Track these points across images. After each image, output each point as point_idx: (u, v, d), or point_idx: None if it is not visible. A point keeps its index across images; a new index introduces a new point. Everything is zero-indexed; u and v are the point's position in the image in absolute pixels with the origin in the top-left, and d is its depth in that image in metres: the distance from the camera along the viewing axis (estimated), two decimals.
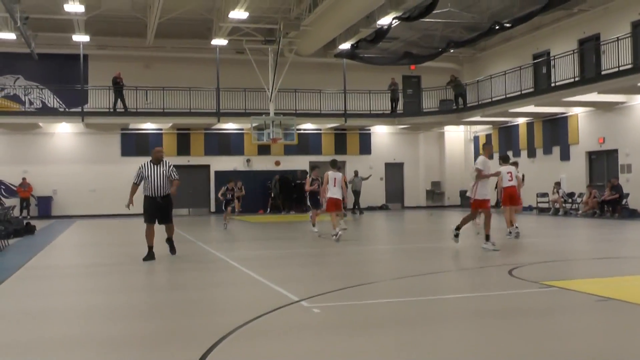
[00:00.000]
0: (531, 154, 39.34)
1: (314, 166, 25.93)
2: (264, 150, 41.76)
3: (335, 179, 20.20)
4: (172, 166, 15.67)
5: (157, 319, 9.02)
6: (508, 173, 19.50)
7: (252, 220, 33.61)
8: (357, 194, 37.86)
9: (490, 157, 17.90)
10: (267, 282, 11.80)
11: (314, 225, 23.53)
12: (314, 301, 9.78)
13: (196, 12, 36.35)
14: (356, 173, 38.62)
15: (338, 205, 20.33)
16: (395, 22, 31.16)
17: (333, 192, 20.16)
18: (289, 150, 41.91)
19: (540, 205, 36.68)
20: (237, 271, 13.76)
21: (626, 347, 7.25)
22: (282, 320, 8.71)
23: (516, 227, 19.73)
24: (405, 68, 43.72)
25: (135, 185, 15.49)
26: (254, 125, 36.95)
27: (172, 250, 16.18)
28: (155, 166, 15.39)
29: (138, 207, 15.43)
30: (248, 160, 42.22)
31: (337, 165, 20.95)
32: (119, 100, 38.26)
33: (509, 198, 19.62)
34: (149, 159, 15.55)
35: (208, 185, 41.67)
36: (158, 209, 15.48)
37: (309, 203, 25.41)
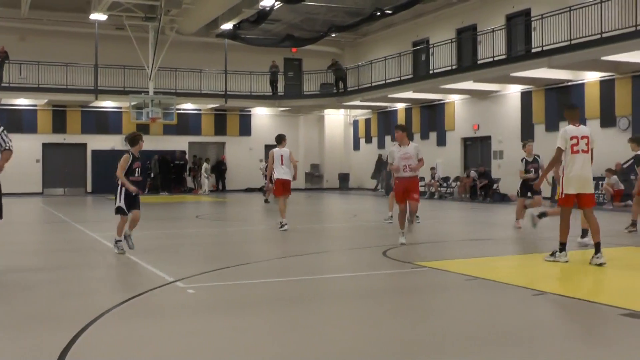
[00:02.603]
0: (409, 138, 40.07)
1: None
2: (142, 129, 40.77)
3: (282, 156, 17.87)
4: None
5: (26, 302, 8.70)
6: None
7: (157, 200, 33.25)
8: None
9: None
10: (143, 263, 11.64)
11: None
12: (189, 282, 9.77)
13: None
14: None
15: (287, 187, 17.88)
16: (278, 4, 31.29)
17: (280, 172, 17.81)
18: (168, 130, 41.25)
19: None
20: (112, 252, 13.24)
21: (491, 322, 7.61)
22: (156, 301, 8.67)
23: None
24: (286, 50, 43.82)
25: None
26: (132, 104, 36.26)
27: None
28: None
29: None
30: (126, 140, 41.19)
31: (283, 140, 18.43)
32: None
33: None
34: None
35: (85, 164, 40.64)
36: None
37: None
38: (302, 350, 6.44)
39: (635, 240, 14.69)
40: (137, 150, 12.78)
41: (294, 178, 18.60)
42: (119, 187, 12.49)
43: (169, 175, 40.77)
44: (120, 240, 12.62)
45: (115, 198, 12.54)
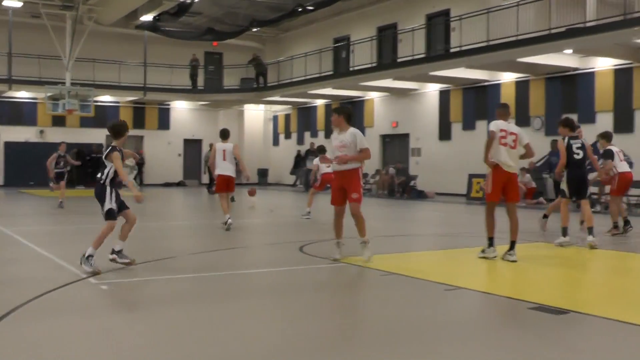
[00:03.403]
0: (328, 134, 40.26)
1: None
2: (58, 121, 40.11)
3: (224, 151, 16.72)
4: None
5: None
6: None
7: (46, 194, 32.67)
8: None
9: None
10: (55, 259, 11.36)
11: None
12: (103, 278, 9.55)
13: None
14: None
15: (229, 183, 16.84)
16: None
17: (222, 167, 16.68)
18: (85, 123, 40.38)
19: None
20: (24, 247, 12.94)
21: (402, 317, 7.71)
22: (70, 297, 8.43)
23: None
24: (207, 44, 43.54)
25: None
26: (48, 95, 35.48)
27: None
28: None
29: None
30: (41, 132, 40.36)
31: (227, 135, 17.31)
32: None
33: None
34: None
35: None
36: None
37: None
38: (215, 346, 6.43)
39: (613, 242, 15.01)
40: (121, 144, 10.70)
41: (247, 177, 17.50)
42: (110, 188, 10.43)
43: (85, 168, 40.02)
44: (93, 256, 10.07)
45: (104, 199, 10.45)
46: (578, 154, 13.79)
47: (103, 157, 10.49)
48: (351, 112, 11.72)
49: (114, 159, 10.30)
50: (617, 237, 15.32)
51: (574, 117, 26.88)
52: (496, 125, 11.82)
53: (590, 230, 13.59)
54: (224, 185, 16.73)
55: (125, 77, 41.20)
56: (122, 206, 10.58)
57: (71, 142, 38.34)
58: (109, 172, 10.39)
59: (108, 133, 10.86)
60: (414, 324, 7.40)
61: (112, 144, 10.59)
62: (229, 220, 16.17)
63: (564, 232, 13.73)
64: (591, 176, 16.00)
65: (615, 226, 15.75)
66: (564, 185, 13.95)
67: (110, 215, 10.45)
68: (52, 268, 10.74)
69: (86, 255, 10.04)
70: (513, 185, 11.87)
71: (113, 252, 10.52)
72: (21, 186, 37.49)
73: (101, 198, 10.46)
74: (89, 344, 6.44)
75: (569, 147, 13.78)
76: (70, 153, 37.96)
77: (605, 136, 16.25)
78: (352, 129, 11.41)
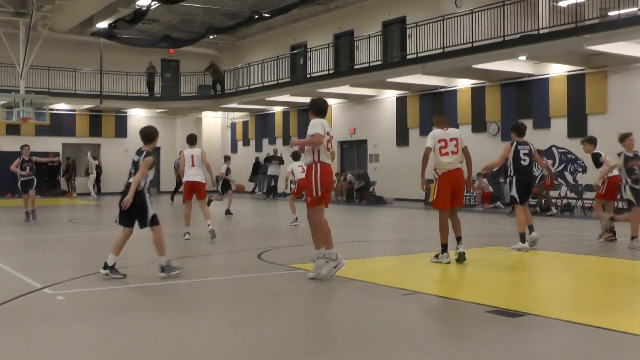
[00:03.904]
0: (286, 141, 40.42)
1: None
2: (12, 130, 39.49)
3: (192, 157, 16.47)
4: None
5: None
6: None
7: (0, 204, 32.33)
8: None
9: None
10: (7, 269, 11.17)
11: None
12: (58, 288, 9.44)
13: None
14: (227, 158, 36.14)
15: (199, 190, 16.31)
16: (155, 4, 30.99)
17: (189, 174, 16.31)
18: (40, 131, 39.82)
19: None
20: None
21: (358, 322, 7.78)
22: (24, 309, 8.30)
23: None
24: (164, 51, 43.27)
25: None
26: (2, 103, 35.02)
27: None
28: None
29: None
30: None
31: (195, 141, 17.36)
32: None
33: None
34: None
35: None
36: None
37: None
38: (169, 355, 6.45)
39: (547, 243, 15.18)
40: (151, 148, 10.79)
41: (212, 182, 17.21)
42: (148, 194, 10.59)
43: (42, 177, 39.58)
44: (169, 264, 10.50)
45: (146, 207, 10.49)
46: (525, 160, 13.95)
47: (141, 160, 10.44)
48: (319, 104, 10.47)
49: (145, 164, 10.37)
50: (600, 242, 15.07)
51: (529, 122, 27.31)
52: (433, 138, 12.02)
53: (531, 228, 14.06)
54: (191, 192, 16.30)
55: (81, 84, 40.90)
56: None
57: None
58: (146, 179, 10.48)
59: (140, 138, 10.88)
60: (372, 329, 7.46)
61: (144, 149, 10.66)
62: (210, 227, 15.99)
63: (522, 238, 13.86)
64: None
65: (608, 230, 15.22)
66: (513, 192, 14.14)
67: (154, 220, 10.58)
68: (5, 278, 10.55)
69: (163, 266, 10.41)
70: (460, 191, 12.14)
71: (106, 267, 10.36)
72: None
73: (142, 206, 10.47)
74: (41, 357, 6.39)
75: (516, 153, 13.96)
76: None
77: (592, 140, 15.96)
78: (318, 119, 10.31)
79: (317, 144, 9.89)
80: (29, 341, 6.87)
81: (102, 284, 10.02)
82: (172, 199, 33.15)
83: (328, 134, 10.07)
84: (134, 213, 10.48)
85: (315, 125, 9.95)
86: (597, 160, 15.55)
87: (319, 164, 10.02)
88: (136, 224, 10.71)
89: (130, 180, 10.43)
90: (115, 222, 10.68)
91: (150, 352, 6.50)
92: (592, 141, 15.81)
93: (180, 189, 30.69)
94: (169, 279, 10.26)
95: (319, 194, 9.97)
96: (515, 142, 14.09)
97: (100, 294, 9.47)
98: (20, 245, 15.08)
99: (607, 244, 14.79)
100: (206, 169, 16.43)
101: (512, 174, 14.12)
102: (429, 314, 8.37)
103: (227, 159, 25.19)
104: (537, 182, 26.09)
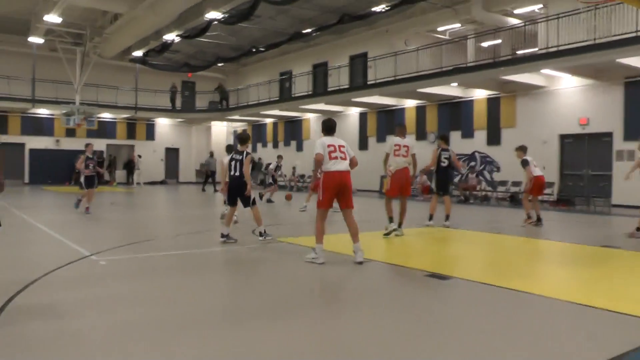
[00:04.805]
0: (275, 145, 40.45)
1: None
2: (70, 132, 39.19)
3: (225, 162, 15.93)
4: None
5: None
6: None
7: (61, 190, 32.06)
8: (212, 174, 33.49)
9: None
10: (66, 241, 11.09)
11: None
12: (102, 255, 9.40)
13: (19, 12, 32.24)
14: (211, 154, 35.71)
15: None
16: (178, 39, 30.93)
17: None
18: (90, 134, 39.41)
19: (280, 184, 37.53)
20: (41, 232, 12.61)
21: (321, 284, 7.85)
22: (75, 272, 8.16)
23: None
24: (184, 75, 43.01)
25: None
26: (63, 112, 35.00)
27: None
28: None
29: None
30: (57, 141, 39.51)
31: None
32: None
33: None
34: None
35: (23, 160, 38.49)
36: None
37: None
38: (182, 305, 6.46)
39: (531, 231, 15.23)
40: (246, 148, 11.04)
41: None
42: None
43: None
44: (264, 231, 11.11)
45: (245, 191, 10.91)
46: (444, 162, 14.28)
47: (244, 159, 10.88)
48: (325, 123, 9.49)
49: (247, 162, 10.84)
50: (526, 226, 14.75)
51: (458, 133, 27.44)
52: (391, 143, 12.26)
53: (447, 217, 14.29)
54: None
55: (121, 99, 40.67)
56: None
57: (80, 149, 37.76)
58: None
59: (236, 140, 11.37)
60: (336, 290, 7.49)
61: (241, 149, 11.00)
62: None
63: (431, 217, 14.33)
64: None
65: (529, 217, 15.03)
66: (433, 186, 14.43)
67: (254, 202, 11.11)
68: (62, 248, 10.43)
69: (261, 231, 10.99)
70: (407, 184, 12.34)
71: (222, 235, 10.96)
72: (41, 184, 36.94)
73: (242, 190, 10.90)
74: (100, 307, 6.39)
75: (439, 156, 14.25)
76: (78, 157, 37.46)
77: (522, 149, 15.58)
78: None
79: (318, 163, 9.00)
80: (80, 295, 6.84)
81: (137, 252, 9.96)
82: (203, 189, 32.61)
83: (332, 145, 9.09)
84: (239, 196, 11.00)
85: (316, 146, 9.09)
86: (524, 164, 15.18)
87: (323, 173, 9.09)
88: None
89: (232, 173, 10.92)
90: (225, 203, 11.19)
91: (164, 303, 6.50)
92: (523, 149, 15.60)
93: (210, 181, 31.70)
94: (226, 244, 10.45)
95: (321, 198, 9.10)
96: (440, 149, 14.32)
97: (135, 259, 9.40)
98: (78, 222, 14.89)
99: (522, 227, 14.57)
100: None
101: (434, 172, 14.39)
102: (379, 278, 8.28)
103: (279, 157, 24.07)
104: (460, 180, 26.28)
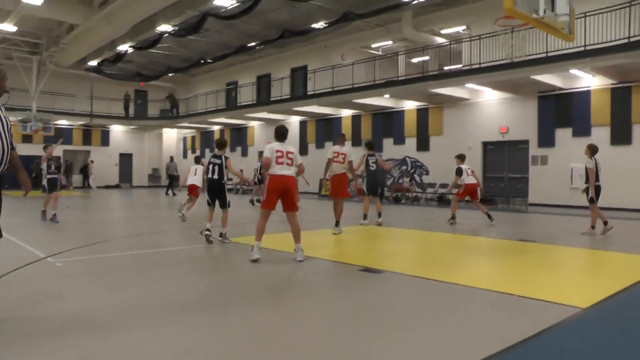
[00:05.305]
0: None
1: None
2: (27, 139, 37.95)
3: (196, 169, 15.84)
4: None
5: None
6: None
7: (18, 194, 30.86)
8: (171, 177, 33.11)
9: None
10: (22, 244, 10.66)
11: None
12: (58, 257, 9.09)
13: None
14: (171, 158, 34.80)
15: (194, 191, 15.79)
16: (131, 50, 30.35)
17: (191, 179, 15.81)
18: (47, 140, 38.13)
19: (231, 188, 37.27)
20: None
21: (264, 279, 7.75)
22: (31, 273, 7.87)
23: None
24: (136, 84, 42.18)
25: None
26: (19, 118, 33.79)
27: None
28: None
29: None
30: None
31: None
32: None
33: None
34: None
35: None
36: None
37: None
38: (139, 297, 6.34)
39: (455, 229, 15.30)
40: (222, 153, 11.00)
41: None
42: (225, 186, 10.89)
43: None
44: (225, 233, 10.93)
45: (224, 194, 10.86)
46: (372, 166, 14.44)
47: (223, 164, 10.78)
48: (277, 130, 9.22)
49: (230, 164, 10.85)
50: (453, 225, 14.73)
51: (391, 140, 27.69)
52: (332, 151, 12.51)
53: (379, 214, 14.61)
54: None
55: (77, 106, 39.63)
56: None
57: (36, 155, 36.63)
58: (227, 174, 10.85)
59: (215, 146, 11.18)
60: (279, 284, 7.42)
61: (220, 154, 10.91)
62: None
63: (365, 217, 14.40)
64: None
65: (453, 217, 14.97)
66: (363, 187, 14.53)
67: (229, 205, 10.94)
68: (19, 251, 10.08)
69: (223, 234, 10.85)
70: (344, 187, 12.49)
71: (221, 235, 10.90)
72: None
73: (222, 193, 10.80)
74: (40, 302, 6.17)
75: (367, 161, 14.40)
76: (34, 163, 36.40)
77: (460, 157, 15.56)
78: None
79: (265, 166, 8.77)
80: (34, 293, 6.66)
81: (92, 253, 9.69)
82: (167, 193, 31.71)
83: (280, 151, 8.85)
84: (218, 197, 10.82)
85: (265, 151, 8.83)
86: (457, 172, 15.13)
87: (269, 176, 8.81)
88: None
89: (210, 176, 10.78)
90: (208, 203, 10.80)
91: (123, 296, 6.33)
92: (461, 157, 15.56)
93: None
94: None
95: (264, 198, 8.81)
96: (366, 154, 14.48)
97: (90, 260, 9.11)
98: (32, 226, 14.32)
99: (451, 226, 14.60)
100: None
101: (364, 175, 14.55)
102: (318, 272, 8.24)
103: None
104: (392, 182, 26.53)
